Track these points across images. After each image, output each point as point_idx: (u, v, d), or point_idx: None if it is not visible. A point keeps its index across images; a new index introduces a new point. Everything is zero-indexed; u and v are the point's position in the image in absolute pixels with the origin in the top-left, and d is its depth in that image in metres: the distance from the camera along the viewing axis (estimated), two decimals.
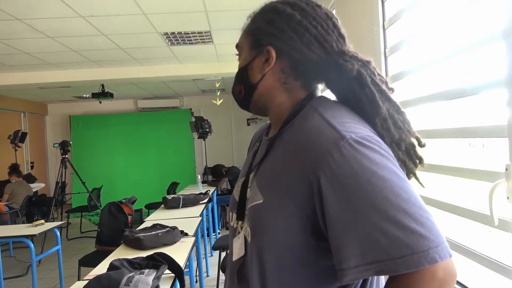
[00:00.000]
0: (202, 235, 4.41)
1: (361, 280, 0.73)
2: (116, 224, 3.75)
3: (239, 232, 0.83)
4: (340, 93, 0.81)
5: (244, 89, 0.85)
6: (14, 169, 6.06)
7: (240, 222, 0.84)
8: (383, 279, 0.77)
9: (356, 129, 0.69)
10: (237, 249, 0.83)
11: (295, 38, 0.77)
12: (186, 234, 2.78)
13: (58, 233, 3.91)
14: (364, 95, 0.76)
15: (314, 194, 0.66)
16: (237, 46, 0.89)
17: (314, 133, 0.70)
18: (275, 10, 0.80)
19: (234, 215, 0.87)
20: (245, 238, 0.80)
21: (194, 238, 2.79)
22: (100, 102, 7.07)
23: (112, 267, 1.84)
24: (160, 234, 2.57)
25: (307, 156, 0.68)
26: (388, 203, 0.61)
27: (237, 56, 0.89)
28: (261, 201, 0.75)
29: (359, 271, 0.62)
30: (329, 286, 0.72)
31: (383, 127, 0.74)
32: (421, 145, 0.78)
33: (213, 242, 4.66)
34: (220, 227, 6.04)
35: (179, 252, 2.36)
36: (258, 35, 0.81)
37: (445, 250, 0.60)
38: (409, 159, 0.77)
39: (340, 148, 0.65)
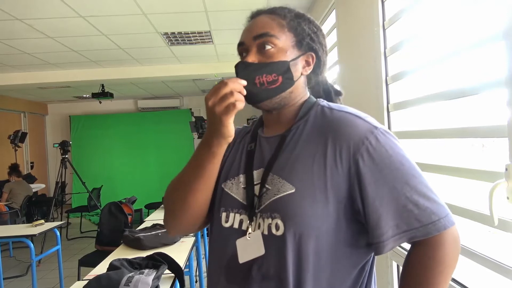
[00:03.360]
0: (202, 235, 4.40)
1: (369, 266, 0.83)
2: (116, 224, 3.74)
3: (249, 232, 0.81)
4: None
5: (282, 81, 0.84)
6: (14, 169, 6.06)
7: (248, 221, 0.82)
8: (375, 274, 0.86)
9: (377, 122, 0.81)
10: (249, 250, 0.80)
11: (325, 55, 0.92)
12: (186, 234, 2.78)
13: (58, 233, 3.90)
14: None
15: (352, 176, 0.76)
16: (269, 35, 0.84)
17: (345, 123, 0.80)
18: (315, 25, 0.91)
19: (236, 216, 0.85)
20: (265, 235, 0.79)
21: (194, 238, 2.79)
22: (100, 102, 7.07)
23: (112, 267, 1.84)
24: (160, 234, 2.57)
25: (342, 142, 0.77)
26: (416, 180, 0.75)
27: (241, 51, 0.88)
28: (292, 191, 0.78)
29: (396, 239, 0.74)
30: (356, 265, 0.80)
31: None
32: None
33: None
34: None
35: (179, 252, 2.36)
36: (304, 38, 0.87)
37: (452, 216, 0.76)
38: None
39: (376, 135, 0.77)
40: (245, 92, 0.77)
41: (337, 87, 1.00)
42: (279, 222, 0.77)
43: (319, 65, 0.90)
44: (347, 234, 0.77)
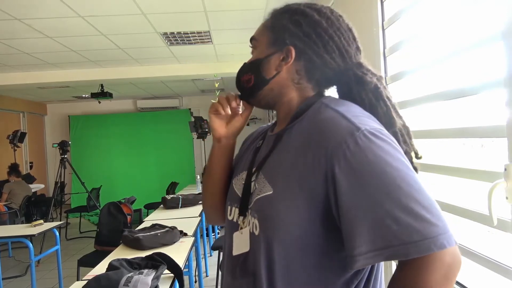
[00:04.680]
0: (202, 235, 4.40)
1: (367, 273, 0.76)
2: (115, 224, 3.74)
3: (241, 228, 0.83)
4: (354, 102, 0.82)
5: (254, 79, 0.87)
6: (13, 169, 6.06)
7: (241, 218, 0.84)
8: (383, 276, 0.80)
9: (369, 122, 0.72)
10: (240, 244, 0.82)
11: (319, 44, 0.81)
12: (186, 234, 2.78)
13: (57, 233, 3.90)
14: (380, 108, 0.80)
15: (328, 182, 0.69)
16: (253, 39, 0.90)
17: (328, 124, 0.73)
18: (303, 13, 0.83)
19: (235, 210, 0.88)
20: (250, 233, 0.80)
21: (193, 238, 2.79)
22: (99, 102, 7.06)
23: (111, 267, 1.84)
24: (159, 234, 2.57)
25: (321, 146, 0.71)
26: (401, 192, 0.64)
27: (237, 54, 0.93)
28: (270, 192, 0.76)
29: (370, 256, 0.65)
30: (337, 276, 0.74)
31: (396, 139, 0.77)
32: (418, 157, 0.83)
33: (212, 242, 4.66)
34: (219, 227, 6.04)
35: (178, 252, 2.36)
36: (281, 33, 0.84)
37: (451, 237, 0.64)
38: None
39: (355, 138, 0.68)
40: (228, 102, 0.94)
41: (362, 71, 0.83)
42: (256, 222, 0.78)
43: (309, 57, 0.82)
44: (327, 242, 0.72)
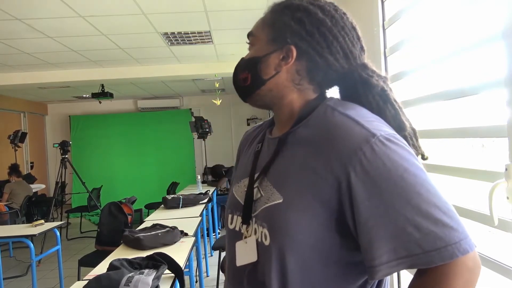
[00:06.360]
0: (202, 235, 4.40)
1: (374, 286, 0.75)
2: (116, 224, 3.74)
3: (245, 237, 0.79)
4: (359, 104, 0.79)
5: (251, 79, 0.82)
6: (14, 169, 6.06)
7: (245, 226, 0.80)
8: (388, 281, 0.79)
9: (382, 127, 0.70)
10: (244, 254, 0.79)
11: (323, 45, 0.77)
12: (186, 234, 2.78)
13: (58, 233, 3.90)
14: (388, 111, 0.78)
15: (343, 190, 0.67)
16: (251, 34, 0.86)
17: (340, 129, 0.70)
18: (306, 11, 0.78)
19: (238, 218, 0.83)
20: (258, 242, 0.76)
21: (194, 238, 2.79)
22: (100, 102, 7.06)
23: (112, 267, 1.84)
24: (160, 234, 2.57)
25: (335, 153, 0.68)
26: (420, 198, 0.63)
27: (234, 52, 0.89)
28: (280, 201, 0.73)
29: (392, 265, 0.63)
30: (353, 283, 0.73)
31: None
32: (424, 158, 0.82)
33: (213, 242, 4.66)
34: (220, 227, 6.05)
35: (179, 252, 2.36)
36: (282, 31, 0.79)
37: (471, 242, 0.63)
38: None
39: (371, 145, 0.66)
40: None
41: (367, 73, 0.79)
42: (266, 232, 0.74)
43: (312, 58, 0.78)
44: (341, 249, 0.71)
